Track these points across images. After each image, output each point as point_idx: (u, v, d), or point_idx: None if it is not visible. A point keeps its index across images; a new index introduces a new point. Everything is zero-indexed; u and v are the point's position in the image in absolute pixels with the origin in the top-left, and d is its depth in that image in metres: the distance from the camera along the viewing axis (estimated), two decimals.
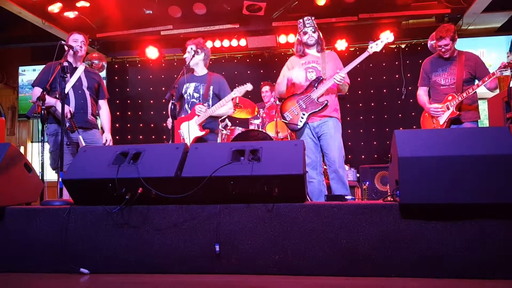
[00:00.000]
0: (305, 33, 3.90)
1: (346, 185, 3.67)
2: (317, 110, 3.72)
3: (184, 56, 4.31)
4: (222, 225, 2.30)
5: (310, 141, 3.77)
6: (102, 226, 2.41)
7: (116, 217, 2.39)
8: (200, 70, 4.31)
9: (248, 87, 4.20)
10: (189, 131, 4.05)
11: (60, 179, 2.75)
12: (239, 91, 4.17)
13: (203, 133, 4.10)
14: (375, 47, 3.75)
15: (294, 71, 3.87)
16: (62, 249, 2.41)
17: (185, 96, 4.23)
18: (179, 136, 4.19)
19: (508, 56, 3.35)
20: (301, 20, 3.95)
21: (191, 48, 4.24)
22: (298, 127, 3.79)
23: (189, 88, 4.23)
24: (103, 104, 4.27)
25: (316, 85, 3.76)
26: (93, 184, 2.44)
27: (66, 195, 2.86)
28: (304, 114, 3.75)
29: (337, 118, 3.80)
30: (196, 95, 4.22)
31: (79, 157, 2.61)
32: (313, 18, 3.93)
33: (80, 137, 3.85)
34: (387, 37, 3.76)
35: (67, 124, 3.76)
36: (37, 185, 3.02)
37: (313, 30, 3.89)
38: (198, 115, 4.10)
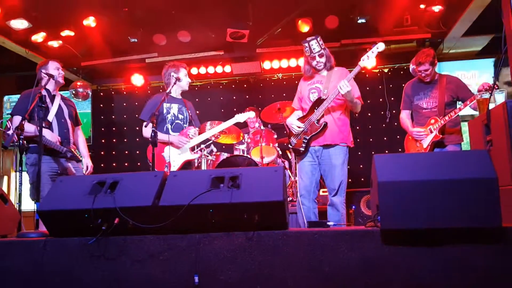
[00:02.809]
0: (313, 58, 3.72)
1: (340, 213, 3.57)
2: (316, 132, 3.62)
3: (181, 82, 4.20)
4: (201, 255, 2.24)
5: (308, 164, 3.69)
6: (78, 258, 2.33)
7: (92, 249, 2.32)
8: (179, 93, 4.34)
9: (251, 114, 4.44)
10: (177, 154, 4.01)
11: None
12: (242, 117, 4.36)
13: (197, 155, 4.15)
14: (366, 60, 3.50)
15: (302, 94, 3.86)
16: (38, 283, 2.32)
17: (168, 116, 4.18)
18: (162, 158, 4.09)
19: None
20: (306, 44, 3.71)
21: (172, 75, 4.21)
22: (301, 150, 3.71)
23: (172, 109, 4.20)
24: (79, 131, 4.27)
25: (316, 106, 3.65)
26: (68, 215, 2.37)
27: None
28: (305, 138, 3.68)
29: (341, 144, 3.65)
30: (180, 116, 4.22)
31: (55, 187, 2.55)
32: (318, 38, 3.70)
33: (70, 165, 3.87)
34: (377, 47, 3.48)
35: (69, 155, 3.74)
36: (14, 216, 2.94)
37: (320, 54, 3.70)
38: (191, 138, 4.12)
